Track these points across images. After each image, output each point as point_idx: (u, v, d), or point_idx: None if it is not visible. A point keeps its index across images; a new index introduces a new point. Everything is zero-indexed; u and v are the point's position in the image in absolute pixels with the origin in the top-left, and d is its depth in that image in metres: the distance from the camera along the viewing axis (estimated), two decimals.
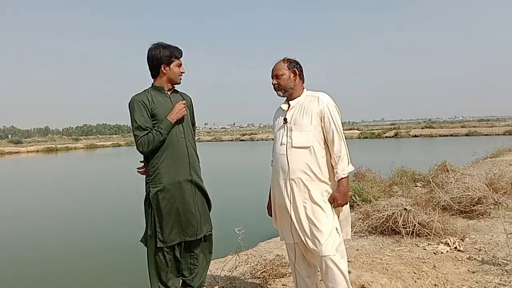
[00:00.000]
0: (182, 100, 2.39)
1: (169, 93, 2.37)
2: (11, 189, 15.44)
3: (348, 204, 2.21)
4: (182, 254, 2.41)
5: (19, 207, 11.04)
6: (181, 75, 2.37)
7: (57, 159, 35.47)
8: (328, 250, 1.98)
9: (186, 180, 2.30)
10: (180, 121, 2.32)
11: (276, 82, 2.17)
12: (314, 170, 2.06)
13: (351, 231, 4.17)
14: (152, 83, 2.38)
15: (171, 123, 2.26)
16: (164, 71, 2.32)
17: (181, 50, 2.36)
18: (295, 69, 2.17)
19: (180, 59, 2.35)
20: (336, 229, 2.06)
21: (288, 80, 2.16)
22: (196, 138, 2.69)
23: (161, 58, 2.30)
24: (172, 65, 2.32)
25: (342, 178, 2.06)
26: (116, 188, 14.23)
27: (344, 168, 2.06)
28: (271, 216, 2.39)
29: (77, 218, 9.20)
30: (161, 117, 2.26)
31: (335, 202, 2.07)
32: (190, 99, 2.54)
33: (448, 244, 3.47)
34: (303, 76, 2.22)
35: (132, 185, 14.53)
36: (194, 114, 2.58)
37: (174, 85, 2.41)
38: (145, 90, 2.35)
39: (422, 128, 49.83)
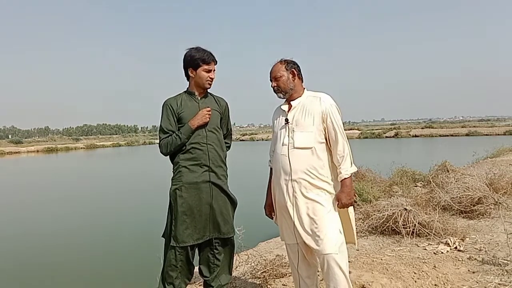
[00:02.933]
0: (214, 104, 2.42)
1: (199, 97, 2.40)
2: (11, 189, 15.44)
3: (353, 211, 2.20)
4: (203, 253, 2.42)
5: (22, 207, 11.05)
6: (209, 81, 2.36)
7: (58, 159, 35.49)
8: (330, 249, 1.98)
9: (204, 182, 2.31)
10: (203, 125, 2.33)
11: (276, 85, 2.17)
12: (316, 171, 2.06)
13: None
14: (187, 87, 2.42)
15: (191, 128, 2.29)
16: (191, 75, 2.36)
17: (212, 56, 2.34)
18: (293, 69, 2.16)
19: (211, 64, 2.34)
20: (339, 229, 2.06)
21: (287, 81, 2.15)
22: None
23: (189, 62, 2.33)
24: (199, 70, 2.33)
25: (345, 178, 2.06)
26: (125, 188, 14.22)
27: (347, 168, 2.06)
28: (268, 216, 2.39)
29: (86, 218, 9.18)
30: (185, 121, 2.31)
31: (339, 203, 2.07)
32: (226, 103, 2.54)
33: (448, 244, 3.47)
34: (301, 76, 2.21)
35: (138, 185, 14.55)
36: (229, 118, 2.57)
37: (207, 89, 2.43)
38: (179, 94, 2.41)
39: (422, 128, 49.88)
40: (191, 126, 2.29)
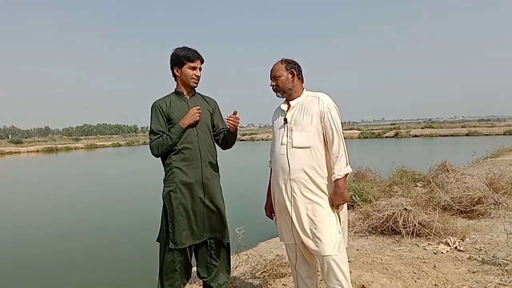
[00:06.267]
0: (203, 104, 2.43)
1: (188, 97, 2.40)
2: (11, 189, 15.44)
3: (346, 211, 2.19)
4: (200, 254, 2.41)
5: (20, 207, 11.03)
6: (195, 78, 2.36)
7: (58, 158, 35.44)
8: (330, 250, 1.98)
9: (198, 182, 2.31)
10: (194, 125, 2.33)
11: (275, 84, 2.18)
12: (315, 171, 2.06)
13: (351, 231, 4.19)
14: (175, 88, 2.42)
15: (182, 128, 2.28)
16: (177, 74, 2.36)
17: (196, 53, 2.35)
18: (293, 70, 2.16)
19: (196, 62, 2.34)
20: (338, 229, 2.06)
21: (286, 81, 2.15)
22: None
23: (175, 60, 2.34)
24: (184, 68, 2.33)
25: (338, 179, 2.04)
26: (123, 189, 14.22)
27: (341, 169, 2.04)
28: (269, 216, 2.39)
29: (81, 222, 9.16)
30: (176, 121, 2.30)
31: (333, 204, 2.07)
32: (215, 102, 2.55)
33: (448, 244, 3.47)
34: (302, 76, 2.21)
35: (138, 185, 14.54)
36: (222, 116, 2.56)
37: (194, 89, 2.43)
38: (167, 95, 2.40)
39: (422, 128, 49.88)
40: (182, 125, 2.28)
